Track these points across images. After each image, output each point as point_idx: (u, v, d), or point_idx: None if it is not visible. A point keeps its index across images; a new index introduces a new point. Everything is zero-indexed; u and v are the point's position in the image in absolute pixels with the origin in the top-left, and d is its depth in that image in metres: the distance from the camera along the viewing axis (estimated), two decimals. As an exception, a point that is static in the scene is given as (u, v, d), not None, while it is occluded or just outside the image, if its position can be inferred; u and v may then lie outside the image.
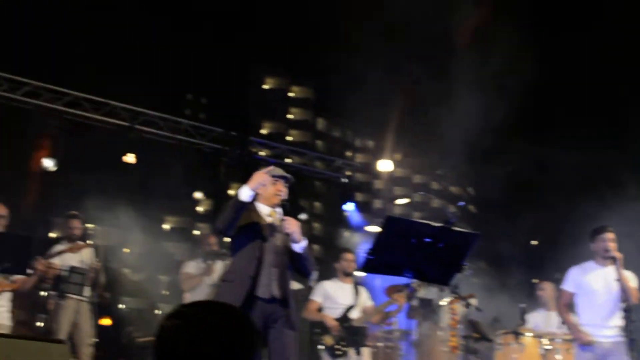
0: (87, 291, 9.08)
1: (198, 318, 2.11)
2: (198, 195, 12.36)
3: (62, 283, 8.83)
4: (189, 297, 9.65)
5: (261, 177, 5.57)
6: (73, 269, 8.99)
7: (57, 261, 8.88)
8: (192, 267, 9.68)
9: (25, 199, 11.70)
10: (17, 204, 10.81)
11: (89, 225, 9.48)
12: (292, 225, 5.60)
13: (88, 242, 9.25)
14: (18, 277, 7.90)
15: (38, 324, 9.90)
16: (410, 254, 5.36)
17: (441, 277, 5.79)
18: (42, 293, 9.69)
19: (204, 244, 9.83)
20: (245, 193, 5.51)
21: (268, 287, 5.53)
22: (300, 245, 5.65)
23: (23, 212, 11.48)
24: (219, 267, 9.62)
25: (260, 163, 12.71)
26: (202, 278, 9.48)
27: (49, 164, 11.08)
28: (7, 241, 7.14)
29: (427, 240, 5.33)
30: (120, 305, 10.08)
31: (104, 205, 11.22)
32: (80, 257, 9.18)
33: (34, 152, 11.17)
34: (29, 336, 3.16)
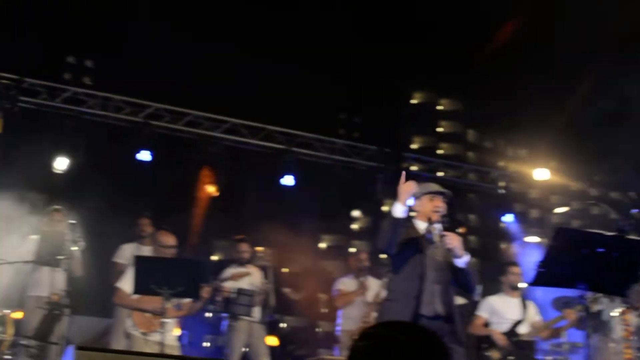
0: (257, 312, 9.34)
1: (389, 338, 2.11)
2: (355, 213, 12.47)
3: (230, 305, 9.11)
4: (344, 314, 9.78)
5: (407, 188, 5.53)
6: (240, 291, 9.27)
7: (228, 284, 9.19)
8: (345, 284, 9.80)
9: (189, 224, 12.13)
10: (183, 230, 11.25)
11: (258, 249, 9.75)
12: (454, 241, 5.54)
13: (257, 264, 9.54)
14: (186, 301, 8.21)
15: (205, 344, 10.24)
16: (582, 265, 5.17)
17: (617, 287, 5.55)
18: (207, 314, 10.03)
19: (354, 261, 9.91)
20: (398, 209, 5.50)
21: (431, 304, 5.50)
22: (463, 260, 5.58)
23: (189, 237, 11.91)
24: (371, 283, 9.68)
25: (414, 178, 12.65)
26: (356, 295, 9.58)
27: (211, 189, 11.47)
28: (179, 266, 7.46)
29: (600, 250, 5.13)
30: (281, 325, 10.28)
31: (267, 227, 11.47)
32: (250, 279, 9.46)
33: (196, 179, 11.59)
34: (198, 358, 3.26)
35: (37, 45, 10.58)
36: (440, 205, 5.74)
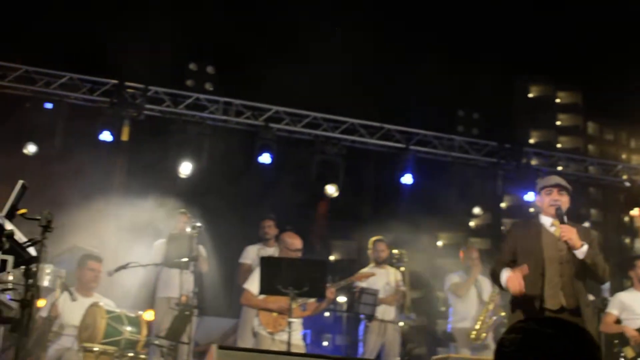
0: (392, 313, 9.42)
1: (536, 332, 2.13)
2: (475, 210, 12.29)
3: (355, 304, 9.17)
4: (455, 311, 9.73)
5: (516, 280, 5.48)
6: (363, 290, 9.31)
7: (363, 283, 9.29)
8: (457, 277, 9.76)
9: (310, 225, 12.26)
10: (304, 231, 11.39)
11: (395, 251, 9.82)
12: (568, 232, 5.44)
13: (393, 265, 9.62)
14: (311, 302, 8.30)
15: (324, 343, 10.35)
16: None
17: None
18: (326, 313, 10.14)
19: (466, 257, 9.83)
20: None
21: (555, 297, 5.46)
22: (580, 251, 5.46)
23: (310, 238, 12.04)
24: (483, 282, 9.60)
25: (535, 172, 12.43)
26: (465, 288, 9.54)
27: (331, 190, 11.55)
28: (304, 267, 7.55)
29: None
30: (400, 323, 10.25)
31: (387, 226, 11.47)
32: (387, 279, 9.54)
33: (316, 180, 11.69)
34: (332, 357, 3.29)
35: (161, 54, 10.92)
36: (557, 198, 5.67)
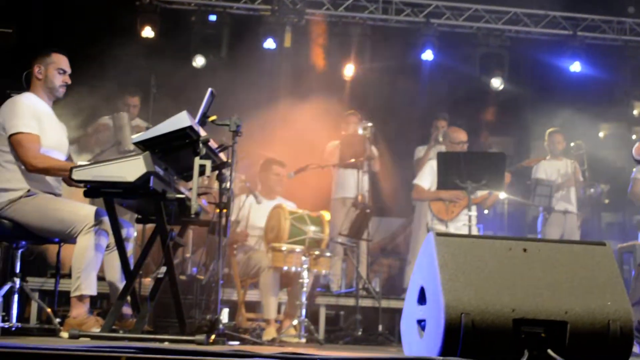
0: (572, 203, 9.32)
1: None
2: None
3: (531, 195, 9.12)
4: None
5: None
6: (537, 181, 9.20)
7: (541, 175, 9.22)
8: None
9: (478, 119, 12.10)
10: (474, 125, 11.28)
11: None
12: None
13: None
14: (481, 193, 8.30)
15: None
16: None
17: None
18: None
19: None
20: None
21: None
22: None
23: (481, 132, 11.89)
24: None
25: None
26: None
27: (496, 83, 11.33)
28: (482, 159, 7.54)
29: None
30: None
31: (555, 117, 11.17)
32: (565, 170, 9.41)
33: (480, 74, 11.46)
34: (571, 240, 3.27)
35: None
36: None
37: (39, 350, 2.57)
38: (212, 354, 2.80)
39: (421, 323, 3.30)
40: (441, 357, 2.99)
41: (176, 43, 11.16)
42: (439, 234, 3.17)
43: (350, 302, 8.40)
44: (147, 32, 10.77)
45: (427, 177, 8.76)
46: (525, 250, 3.15)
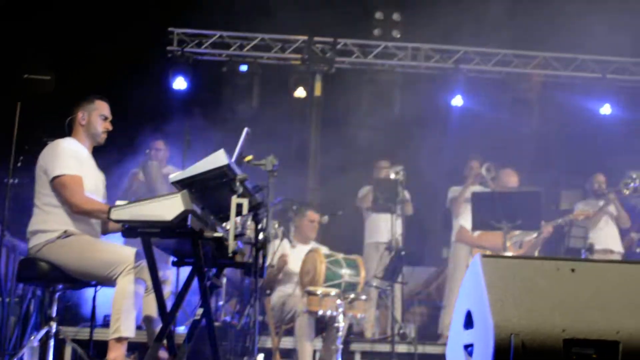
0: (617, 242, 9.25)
1: None
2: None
3: (565, 238, 9.02)
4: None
5: None
6: (572, 223, 9.11)
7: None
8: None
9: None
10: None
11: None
12: None
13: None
14: (527, 239, 8.21)
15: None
16: None
17: None
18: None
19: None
20: None
21: None
22: None
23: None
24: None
25: None
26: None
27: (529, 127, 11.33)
28: (517, 199, 7.47)
29: None
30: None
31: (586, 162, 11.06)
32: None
33: (512, 117, 11.45)
34: (619, 260, 3.22)
35: (348, 6, 10.98)
36: None
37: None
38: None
39: (468, 349, 3.25)
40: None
41: (208, 93, 11.29)
42: (485, 256, 3.14)
43: (386, 348, 8.30)
44: (179, 84, 10.87)
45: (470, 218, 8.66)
46: (573, 270, 3.11)
